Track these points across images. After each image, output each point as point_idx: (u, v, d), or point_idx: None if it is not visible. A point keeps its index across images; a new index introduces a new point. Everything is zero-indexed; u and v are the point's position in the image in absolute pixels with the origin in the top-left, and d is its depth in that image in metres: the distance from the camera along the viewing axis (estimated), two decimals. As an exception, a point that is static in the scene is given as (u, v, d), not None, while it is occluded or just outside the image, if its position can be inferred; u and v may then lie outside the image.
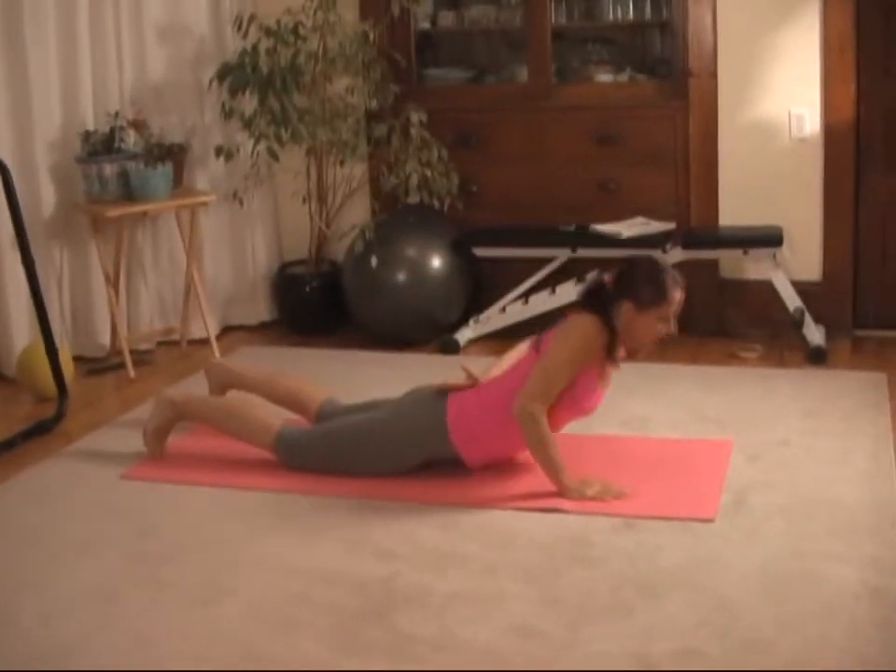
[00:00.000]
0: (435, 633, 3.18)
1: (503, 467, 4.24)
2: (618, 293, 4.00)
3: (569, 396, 4.02)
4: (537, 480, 4.11)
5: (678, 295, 4.01)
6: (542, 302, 5.77)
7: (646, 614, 3.22)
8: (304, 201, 6.19)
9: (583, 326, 4.00)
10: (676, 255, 5.58)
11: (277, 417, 4.42)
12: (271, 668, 3.05)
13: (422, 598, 3.36)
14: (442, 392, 4.17)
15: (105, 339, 6.00)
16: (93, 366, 5.89)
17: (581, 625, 3.18)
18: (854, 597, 3.25)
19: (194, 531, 3.89)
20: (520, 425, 3.98)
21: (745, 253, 5.60)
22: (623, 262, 4.12)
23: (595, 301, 4.04)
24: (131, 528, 3.92)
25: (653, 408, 4.84)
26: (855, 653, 2.98)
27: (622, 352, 4.10)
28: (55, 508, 4.12)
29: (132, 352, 5.81)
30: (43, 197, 5.75)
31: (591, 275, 4.11)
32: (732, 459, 4.27)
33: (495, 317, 5.86)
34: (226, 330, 6.39)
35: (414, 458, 4.20)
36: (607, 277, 4.06)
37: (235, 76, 5.88)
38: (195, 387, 4.96)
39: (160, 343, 6.19)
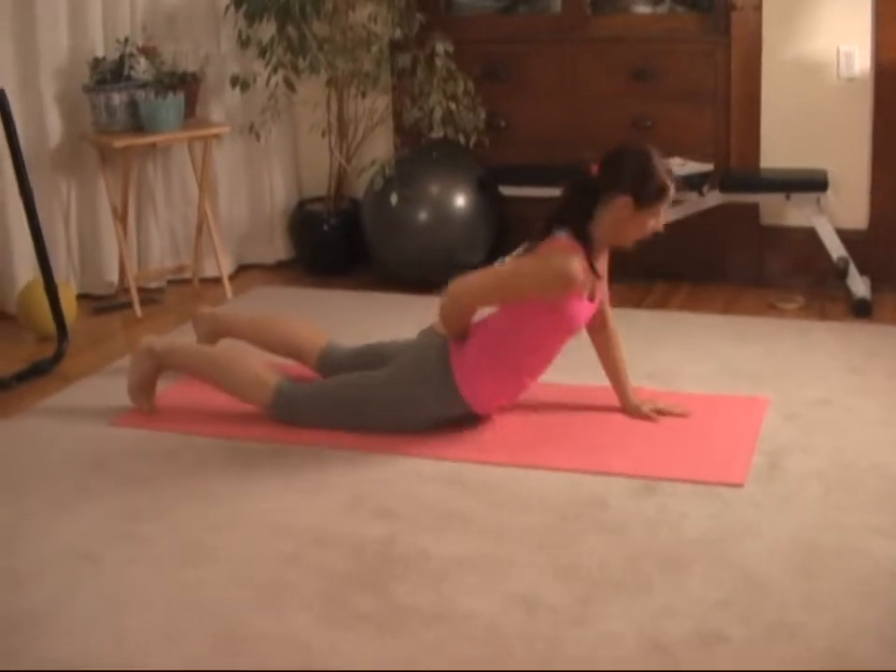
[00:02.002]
0: (431, 603, 2.93)
1: (516, 420, 4.00)
2: (610, 186, 3.71)
3: (555, 319, 3.78)
4: (551, 436, 3.88)
5: (672, 189, 3.75)
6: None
7: (664, 590, 2.95)
8: (324, 134, 5.95)
9: (564, 267, 3.66)
10: (713, 198, 5.34)
11: (273, 370, 4.12)
12: (250, 643, 2.80)
13: (420, 564, 3.11)
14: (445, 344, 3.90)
15: (113, 276, 5.78)
16: (100, 304, 5.69)
17: (592, 600, 2.91)
18: (895, 577, 2.96)
19: (182, 484, 3.66)
20: (442, 303, 3.83)
21: (787, 198, 5.32)
22: (609, 153, 3.81)
23: (580, 202, 3.74)
24: (114, 480, 3.69)
25: (683, 360, 4.56)
26: (893, 640, 2.70)
27: (603, 256, 3.88)
28: (38, 458, 3.90)
29: (141, 290, 5.63)
30: (49, 127, 5.52)
31: (576, 172, 3.80)
32: (766, 419, 3.98)
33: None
34: (241, 269, 6.16)
35: (425, 419, 3.93)
36: (593, 167, 3.77)
37: (252, 2, 5.62)
38: (185, 338, 4.68)
39: (170, 282, 5.97)
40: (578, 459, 3.71)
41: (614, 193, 3.69)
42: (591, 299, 3.86)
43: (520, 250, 3.90)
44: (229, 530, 3.34)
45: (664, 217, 3.80)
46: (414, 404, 3.91)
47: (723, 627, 2.77)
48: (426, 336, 3.97)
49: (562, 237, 3.74)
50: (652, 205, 3.72)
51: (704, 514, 3.33)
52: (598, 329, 4.04)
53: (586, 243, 3.73)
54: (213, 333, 4.51)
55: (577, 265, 3.67)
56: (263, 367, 4.11)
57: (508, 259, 3.92)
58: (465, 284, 3.82)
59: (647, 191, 3.68)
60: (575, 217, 3.75)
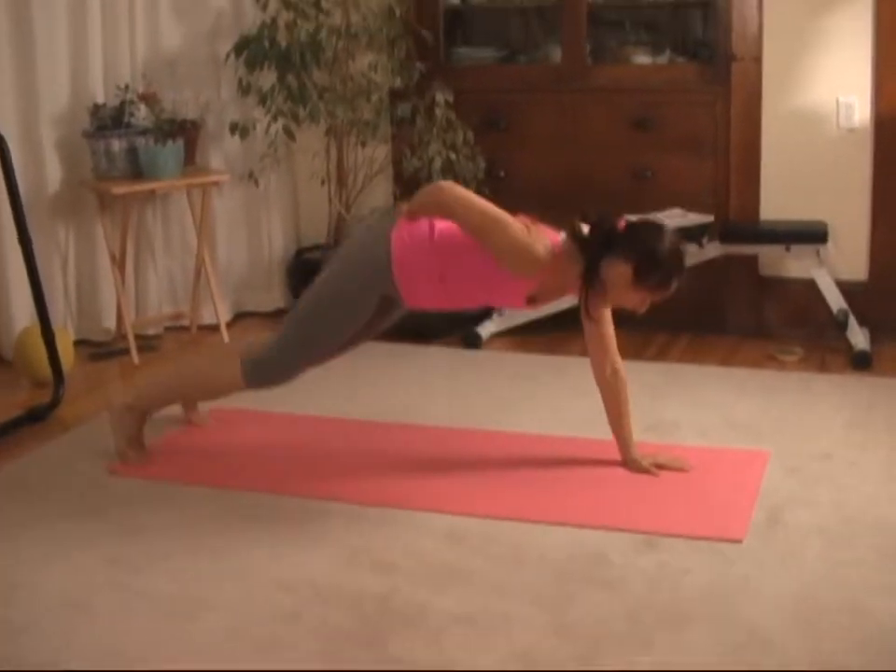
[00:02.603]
0: (431, 660, 2.88)
1: (516, 474, 3.97)
2: (623, 248, 3.68)
3: (493, 279, 3.79)
4: (551, 490, 3.84)
5: (674, 286, 3.73)
6: (572, 296, 5.47)
7: (666, 647, 2.91)
8: (323, 183, 5.96)
9: (534, 247, 3.70)
10: (713, 249, 5.34)
11: (230, 353, 4.22)
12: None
13: (419, 620, 3.06)
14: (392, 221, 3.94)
15: (111, 322, 5.76)
16: (97, 350, 5.66)
17: (592, 658, 2.87)
18: (899, 635, 2.93)
19: (179, 534, 3.61)
20: (428, 190, 3.86)
21: (787, 249, 5.32)
22: (644, 220, 3.84)
23: (597, 240, 3.72)
24: (111, 529, 3.65)
25: (683, 412, 4.53)
26: (899, 700, 2.67)
27: (601, 306, 3.85)
28: (34, 505, 3.86)
29: (138, 337, 5.61)
30: (48, 173, 5.52)
31: (605, 212, 3.80)
32: (767, 472, 3.95)
33: (520, 311, 5.57)
34: (238, 317, 6.16)
35: (368, 293, 3.91)
36: (621, 223, 3.74)
37: (253, 49, 5.64)
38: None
39: (168, 329, 5.96)
40: (578, 514, 3.68)
41: (622, 257, 3.67)
42: (530, 302, 3.87)
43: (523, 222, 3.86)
44: (226, 582, 3.30)
45: (648, 303, 3.76)
46: (354, 275, 3.91)
47: (727, 687, 2.74)
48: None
49: (562, 242, 3.76)
50: (648, 290, 3.71)
51: (705, 570, 3.29)
52: (605, 372, 3.98)
53: (589, 282, 3.73)
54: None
55: (540, 255, 3.70)
56: (221, 354, 4.24)
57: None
58: (459, 198, 3.77)
59: (650, 275, 3.67)
60: (585, 250, 3.74)
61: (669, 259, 3.69)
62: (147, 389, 4.32)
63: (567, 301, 5.35)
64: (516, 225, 3.75)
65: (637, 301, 3.74)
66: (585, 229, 3.77)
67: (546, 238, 3.77)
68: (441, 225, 3.86)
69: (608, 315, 3.95)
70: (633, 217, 3.77)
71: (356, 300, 3.93)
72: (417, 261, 3.85)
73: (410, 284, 3.88)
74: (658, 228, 3.80)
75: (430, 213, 3.85)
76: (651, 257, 3.67)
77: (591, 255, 3.72)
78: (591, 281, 3.73)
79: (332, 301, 3.95)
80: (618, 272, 3.68)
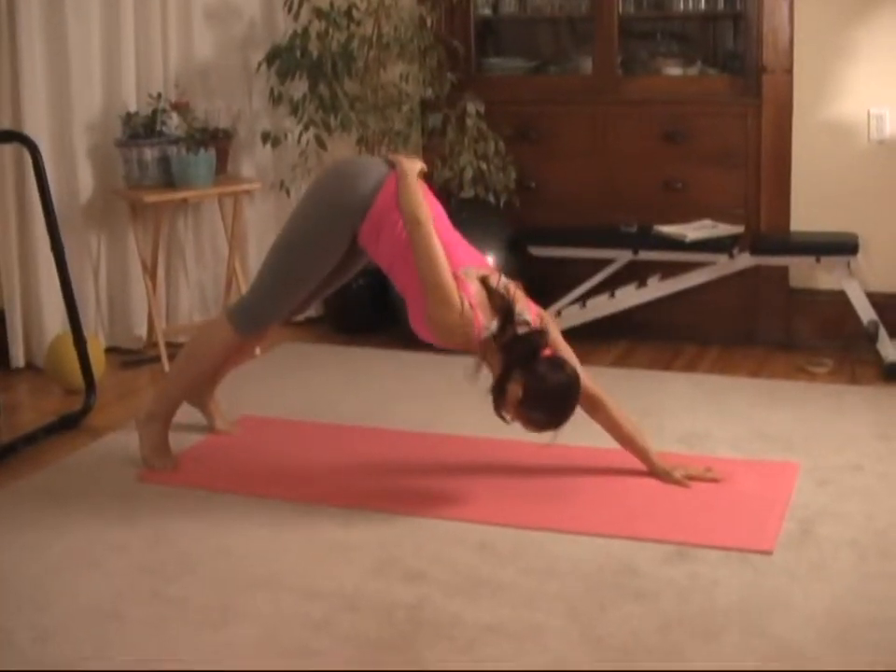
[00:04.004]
0: (462, 670, 2.88)
1: (547, 484, 3.97)
2: (530, 373, 3.62)
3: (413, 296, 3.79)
4: (581, 501, 3.85)
5: (547, 430, 3.69)
6: (601, 306, 5.51)
7: (697, 658, 2.90)
8: (354, 193, 5.93)
9: (453, 317, 3.67)
10: (744, 260, 5.33)
11: (217, 317, 4.33)
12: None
13: (451, 629, 3.07)
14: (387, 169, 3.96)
15: (142, 330, 5.79)
16: (128, 358, 5.69)
17: (625, 669, 2.87)
18: (932, 649, 2.92)
19: (209, 542, 3.62)
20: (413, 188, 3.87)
21: (817, 261, 5.30)
22: (553, 358, 3.74)
23: (518, 354, 3.65)
24: (142, 537, 3.66)
25: (713, 424, 4.52)
26: (932, 715, 2.66)
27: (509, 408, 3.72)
28: (65, 512, 3.87)
29: (169, 345, 5.60)
30: (80, 181, 5.56)
31: (537, 332, 3.74)
32: (797, 484, 3.94)
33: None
34: (269, 326, 6.13)
35: (340, 230, 3.93)
36: (547, 351, 3.71)
37: (285, 59, 5.66)
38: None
39: (198, 337, 5.95)
40: (608, 524, 3.68)
41: (525, 377, 3.62)
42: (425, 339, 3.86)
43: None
44: (257, 591, 3.30)
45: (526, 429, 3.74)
46: (329, 207, 3.94)
47: (758, 700, 2.73)
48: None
49: (473, 293, 3.70)
50: (527, 421, 3.69)
51: (735, 582, 3.28)
52: (594, 412, 3.97)
53: (498, 386, 3.67)
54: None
55: (457, 328, 3.68)
56: (209, 322, 4.42)
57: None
58: (427, 245, 3.73)
59: (530, 412, 3.64)
60: (508, 356, 3.67)
61: (561, 405, 3.66)
62: (159, 391, 4.35)
63: (600, 310, 5.41)
64: (455, 305, 3.67)
65: (511, 415, 3.71)
66: (522, 316, 3.72)
67: (474, 326, 3.68)
68: (434, 212, 3.89)
69: (562, 343, 3.92)
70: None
71: (328, 232, 3.95)
72: (389, 221, 3.85)
73: (375, 228, 3.88)
74: (564, 373, 3.67)
75: (405, 208, 3.83)
76: (542, 399, 3.63)
77: (507, 365, 3.66)
78: (498, 389, 3.67)
79: (306, 235, 3.98)
80: (512, 388, 3.63)
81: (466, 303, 3.67)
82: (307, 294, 4.12)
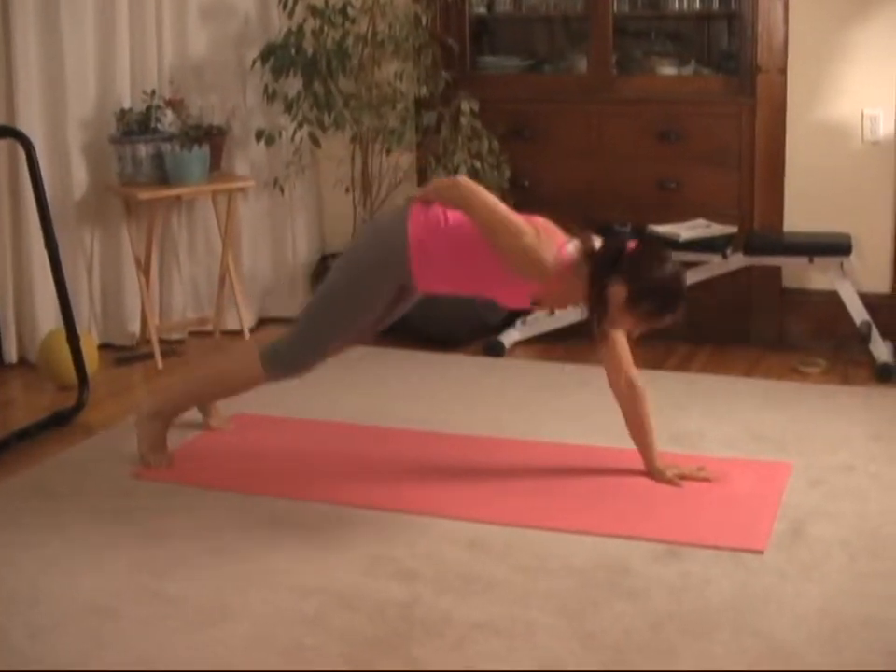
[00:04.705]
0: (453, 667, 2.89)
1: (538, 483, 3.98)
2: (625, 271, 3.67)
3: (502, 276, 3.79)
4: (574, 499, 3.85)
5: (669, 320, 3.72)
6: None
7: (689, 657, 2.91)
8: (348, 190, 5.97)
9: (543, 257, 3.71)
10: (737, 260, 5.33)
11: (248, 348, 4.26)
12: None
13: (442, 627, 3.07)
14: (407, 205, 3.97)
15: (135, 327, 5.79)
16: (121, 355, 5.69)
17: (615, 667, 2.88)
18: (923, 649, 2.93)
19: (204, 539, 3.62)
20: (449, 185, 3.88)
21: (810, 261, 5.30)
22: (651, 243, 3.79)
23: (605, 260, 3.70)
24: (136, 534, 3.67)
25: (706, 423, 4.53)
26: (923, 714, 2.67)
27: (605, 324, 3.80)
28: (59, 509, 3.87)
29: (162, 342, 5.64)
30: (74, 178, 5.56)
31: (620, 231, 3.77)
32: (789, 484, 3.95)
33: (543, 319, 5.58)
34: (262, 322, 6.16)
35: (381, 282, 3.95)
36: (631, 244, 3.74)
37: (279, 56, 5.65)
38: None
39: (192, 334, 5.97)
40: (601, 523, 3.68)
41: (622, 279, 3.66)
42: (535, 303, 3.92)
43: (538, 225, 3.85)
44: (251, 589, 3.30)
45: (643, 328, 3.77)
46: (371, 261, 3.94)
47: (749, 698, 2.74)
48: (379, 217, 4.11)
49: (571, 253, 3.75)
50: (642, 317, 3.71)
51: (727, 581, 3.29)
52: (620, 385, 3.98)
53: (595, 300, 3.71)
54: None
55: (545, 275, 3.71)
56: (239, 351, 4.29)
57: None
58: (475, 196, 3.77)
59: (642, 303, 3.67)
60: (596, 267, 3.72)
61: (664, 292, 3.69)
62: (170, 394, 4.33)
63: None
64: (528, 231, 3.75)
65: (630, 324, 3.76)
66: (597, 242, 3.77)
67: (555, 246, 3.76)
68: (454, 214, 3.88)
69: (626, 351, 3.97)
70: (654, 229, 3.73)
71: (371, 287, 3.96)
72: (432, 242, 3.86)
73: (424, 264, 3.88)
74: (662, 257, 3.76)
75: (445, 204, 3.87)
76: (645, 285, 3.66)
77: (597, 274, 3.70)
78: (596, 300, 3.71)
79: (349, 290, 3.96)
80: (615, 292, 3.67)
81: (538, 228, 3.75)
82: (342, 343, 4.15)
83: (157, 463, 4.18)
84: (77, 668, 2.93)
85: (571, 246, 3.78)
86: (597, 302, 3.71)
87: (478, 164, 5.64)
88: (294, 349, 4.05)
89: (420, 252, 3.87)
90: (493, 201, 3.78)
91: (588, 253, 3.74)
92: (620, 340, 3.95)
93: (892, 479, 3.99)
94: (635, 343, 3.97)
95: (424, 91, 5.78)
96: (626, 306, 3.67)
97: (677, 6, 5.76)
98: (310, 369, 4.09)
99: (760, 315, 5.62)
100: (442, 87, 5.79)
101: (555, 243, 3.77)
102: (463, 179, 3.91)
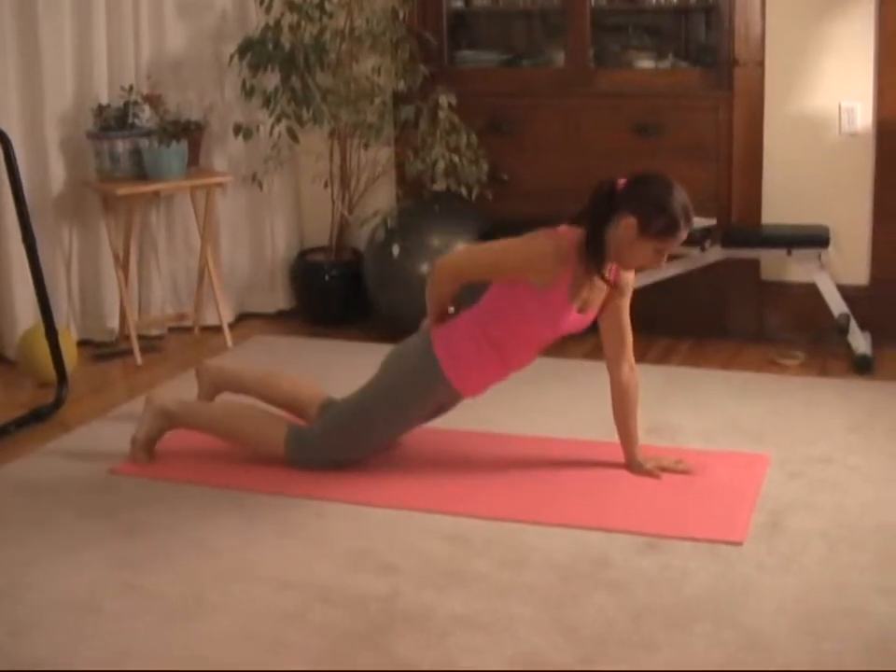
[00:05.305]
0: (434, 661, 2.90)
1: (519, 476, 3.99)
2: (625, 204, 3.66)
3: (535, 307, 3.77)
4: (554, 492, 3.86)
5: (685, 234, 3.71)
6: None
7: (669, 649, 2.92)
8: (326, 185, 5.96)
9: (538, 242, 3.74)
10: (715, 253, 5.33)
11: (279, 420, 4.14)
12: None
13: (423, 621, 3.08)
14: (427, 331, 3.97)
15: (114, 323, 5.78)
16: (100, 351, 5.68)
17: (596, 660, 2.89)
18: (901, 638, 2.94)
19: (183, 534, 3.63)
20: (429, 276, 3.95)
21: (788, 253, 5.31)
22: (636, 174, 3.76)
23: (597, 208, 3.70)
24: (115, 529, 3.67)
25: (685, 416, 4.54)
26: (901, 703, 2.69)
27: (612, 269, 3.81)
28: (38, 505, 3.87)
29: (141, 337, 5.63)
30: (52, 173, 5.54)
31: (605, 180, 3.76)
32: (768, 476, 3.96)
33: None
34: (241, 318, 6.16)
35: (420, 408, 4.00)
36: (621, 181, 3.73)
37: (257, 51, 5.63)
38: (184, 387, 4.63)
39: (171, 329, 5.97)
40: (581, 516, 3.69)
41: (625, 212, 3.65)
42: (581, 310, 3.86)
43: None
44: (231, 583, 3.31)
45: (664, 255, 3.75)
46: (411, 400, 3.96)
47: (729, 689, 2.75)
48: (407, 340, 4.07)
49: (561, 228, 3.77)
50: (657, 238, 3.67)
51: (706, 573, 3.30)
52: (621, 369, 3.99)
53: (593, 247, 3.69)
54: (215, 386, 4.48)
55: (549, 246, 3.71)
56: (271, 418, 4.13)
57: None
58: (454, 255, 3.92)
59: (655, 222, 3.64)
60: (587, 219, 3.72)
61: (673, 202, 3.66)
62: (194, 409, 4.27)
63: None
64: (515, 239, 3.79)
65: (650, 253, 3.71)
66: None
67: (550, 232, 3.77)
68: (464, 315, 3.92)
69: (625, 311, 3.96)
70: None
71: (410, 416, 4.03)
72: (464, 349, 3.87)
73: (465, 376, 3.91)
74: (653, 177, 3.75)
75: (445, 287, 3.88)
76: (653, 203, 3.65)
77: (593, 221, 3.70)
78: (595, 248, 3.69)
79: (389, 414, 3.99)
80: (623, 226, 3.65)
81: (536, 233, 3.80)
82: (372, 453, 4.13)
83: (139, 459, 4.17)
84: (57, 663, 2.92)
85: (563, 227, 3.79)
86: (597, 249, 3.69)
87: (456, 158, 5.63)
88: (319, 450, 4.04)
89: (458, 368, 3.89)
90: (468, 247, 3.86)
91: (580, 216, 3.75)
92: (624, 321, 3.95)
93: (870, 470, 4.00)
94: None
95: (402, 85, 5.77)
96: (641, 233, 3.65)
97: (654, -1, 5.78)
98: (328, 470, 4.04)
99: (738, 308, 5.63)
100: (420, 81, 5.77)
101: (550, 231, 3.78)
102: (437, 261, 3.97)
